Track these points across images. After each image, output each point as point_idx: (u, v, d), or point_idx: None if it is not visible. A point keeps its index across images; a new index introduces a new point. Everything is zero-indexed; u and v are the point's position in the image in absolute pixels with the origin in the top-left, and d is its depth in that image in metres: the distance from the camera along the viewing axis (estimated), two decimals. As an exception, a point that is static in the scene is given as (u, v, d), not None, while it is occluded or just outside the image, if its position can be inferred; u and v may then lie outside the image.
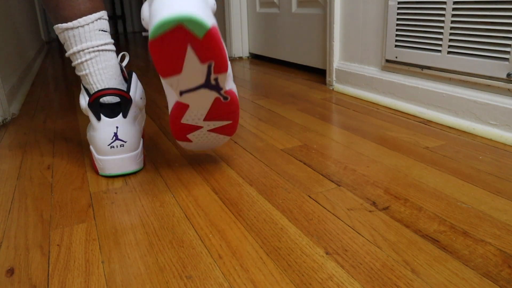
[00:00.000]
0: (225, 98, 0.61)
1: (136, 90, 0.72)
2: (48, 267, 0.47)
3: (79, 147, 0.86)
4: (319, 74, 1.54)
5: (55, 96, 1.38)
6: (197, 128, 0.65)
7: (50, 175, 0.73)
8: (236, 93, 0.63)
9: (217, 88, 0.59)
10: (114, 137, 0.67)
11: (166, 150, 0.82)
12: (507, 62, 0.78)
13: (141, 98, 0.73)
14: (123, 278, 0.45)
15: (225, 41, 2.12)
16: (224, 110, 0.63)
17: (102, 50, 0.70)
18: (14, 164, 0.79)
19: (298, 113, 1.04)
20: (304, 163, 0.72)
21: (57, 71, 1.93)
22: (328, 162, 0.72)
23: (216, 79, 0.58)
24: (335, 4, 1.23)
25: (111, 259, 0.48)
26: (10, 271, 0.47)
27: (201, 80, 0.57)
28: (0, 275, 0.46)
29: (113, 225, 0.55)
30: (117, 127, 0.68)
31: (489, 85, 0.83)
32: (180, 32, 0.51)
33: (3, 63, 1.23)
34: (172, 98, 0.62)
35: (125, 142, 0.68)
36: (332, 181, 0.65)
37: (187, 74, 0.56)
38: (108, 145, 0.68)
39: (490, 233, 0.49)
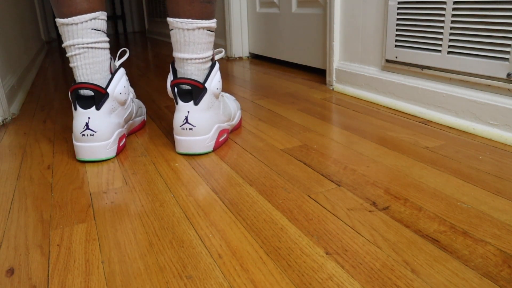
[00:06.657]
0: None
1: (117, 85, 0.78)
2: (48, 267, 0.47)
3: (79, 147, 0.86)
4: (319, 74, 1.54)
5: (55, 96, 1.38)
6: None
7: (50, 175, 0.73)
8: None
9: None
10: (85, 126, 0.75)
11: (166, 150, 0.82)
12: (507, 62, 0.78)
13: (120, 93, 0.78)
14: (123, 278, 0.45)
15: (225, 41, 2.12)
16: None
17: (92, 48, 0.75)
18: (14, 164, 0.79)
19: (298, 113, 1.04)
20: (304, 163, 0.72)
21: (57, 71, 1.93)
22: (328, 162, 0.72)
23: None
24: (335, 4, 1.23)
25: (111, 259, 0.48)
26: (10, 271, 0.47)
27: None
28: (0, 275, 0.46)
29: (113, 225, 0.55)
30: (89, 118, 0.75)
31: (489, 85, 0.83)
32: None
33: (3, 63, 1.23)
34: None
35: (95, 132, 0.75)
36: (332, 181, 0.65)
37: None
38: (80, 132, 0.75)
39: (490, 233, 0.49)
